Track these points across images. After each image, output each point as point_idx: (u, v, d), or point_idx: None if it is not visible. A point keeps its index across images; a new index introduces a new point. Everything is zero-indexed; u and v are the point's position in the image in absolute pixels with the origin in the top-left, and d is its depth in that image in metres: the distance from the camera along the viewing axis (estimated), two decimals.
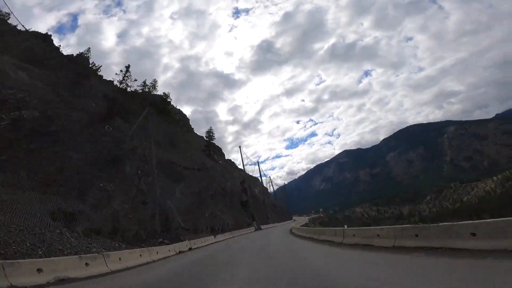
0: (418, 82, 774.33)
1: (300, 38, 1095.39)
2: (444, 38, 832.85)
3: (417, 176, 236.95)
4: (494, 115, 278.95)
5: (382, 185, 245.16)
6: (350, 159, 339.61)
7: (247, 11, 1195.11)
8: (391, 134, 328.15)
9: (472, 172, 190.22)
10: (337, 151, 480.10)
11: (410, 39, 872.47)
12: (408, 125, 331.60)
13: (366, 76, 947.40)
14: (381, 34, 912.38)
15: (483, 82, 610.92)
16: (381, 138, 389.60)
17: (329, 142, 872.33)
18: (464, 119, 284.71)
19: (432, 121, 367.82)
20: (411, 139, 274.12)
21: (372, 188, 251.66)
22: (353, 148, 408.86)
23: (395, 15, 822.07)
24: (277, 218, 69.98)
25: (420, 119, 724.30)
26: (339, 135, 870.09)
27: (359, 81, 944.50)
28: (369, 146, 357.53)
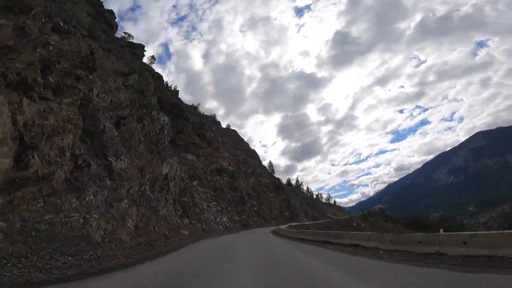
0: None
1: (377, 22, 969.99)
2: None
3: None
4: None
5: None
6: (488, 142, 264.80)
7: (308, 7, 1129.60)
8: None
9: None
10: (464, 136, 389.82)
11: None
12: None
13: (481, 47, 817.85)
14: (480, 0, 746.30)
15: None
16: None
17: (449, 128, 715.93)
18: None
19: None
20: None
21: None
22: (489, 128, 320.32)
23: None
24: None
25: None
26: (461, 118, 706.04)
27: (474, 54, 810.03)
28: None
